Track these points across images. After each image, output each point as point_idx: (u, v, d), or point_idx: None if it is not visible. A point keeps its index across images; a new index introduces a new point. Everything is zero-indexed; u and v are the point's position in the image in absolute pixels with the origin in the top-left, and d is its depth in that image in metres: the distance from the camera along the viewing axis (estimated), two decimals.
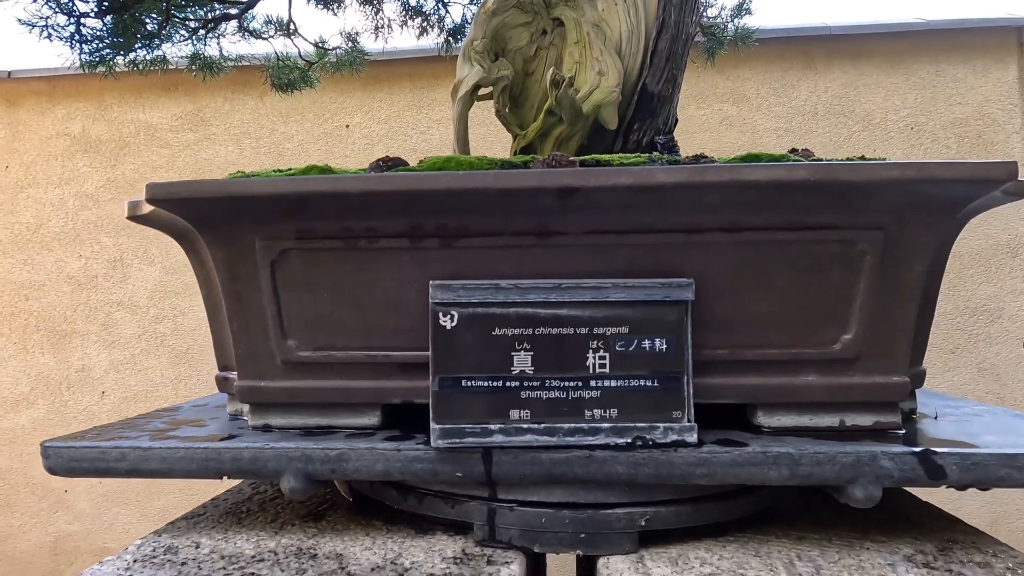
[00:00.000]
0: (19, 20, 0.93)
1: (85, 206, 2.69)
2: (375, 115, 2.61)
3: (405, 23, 1.26)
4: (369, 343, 0.52)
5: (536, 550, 0.48)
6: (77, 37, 0.95)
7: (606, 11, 0.75)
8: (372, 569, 0.45)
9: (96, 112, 2.74)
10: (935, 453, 0.45)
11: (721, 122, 2.46)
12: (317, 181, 0.47)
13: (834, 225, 0.48)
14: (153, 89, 2.68)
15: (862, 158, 0.58)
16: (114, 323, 2.67)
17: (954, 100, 2.38)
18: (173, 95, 2.70)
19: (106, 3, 0.80)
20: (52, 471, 0.52)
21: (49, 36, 0.96)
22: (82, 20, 0.93)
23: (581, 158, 0.54)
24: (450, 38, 1.31)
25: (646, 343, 0.47)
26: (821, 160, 0.54)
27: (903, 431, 0.51)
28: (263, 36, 1.18)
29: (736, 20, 1.27)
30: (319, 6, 1.20)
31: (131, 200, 0.57)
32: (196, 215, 0.51)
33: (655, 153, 0.61)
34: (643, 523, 0.47)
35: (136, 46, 0.98)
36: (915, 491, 0.57)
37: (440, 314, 0.47)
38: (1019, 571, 0.45)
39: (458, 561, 0.46)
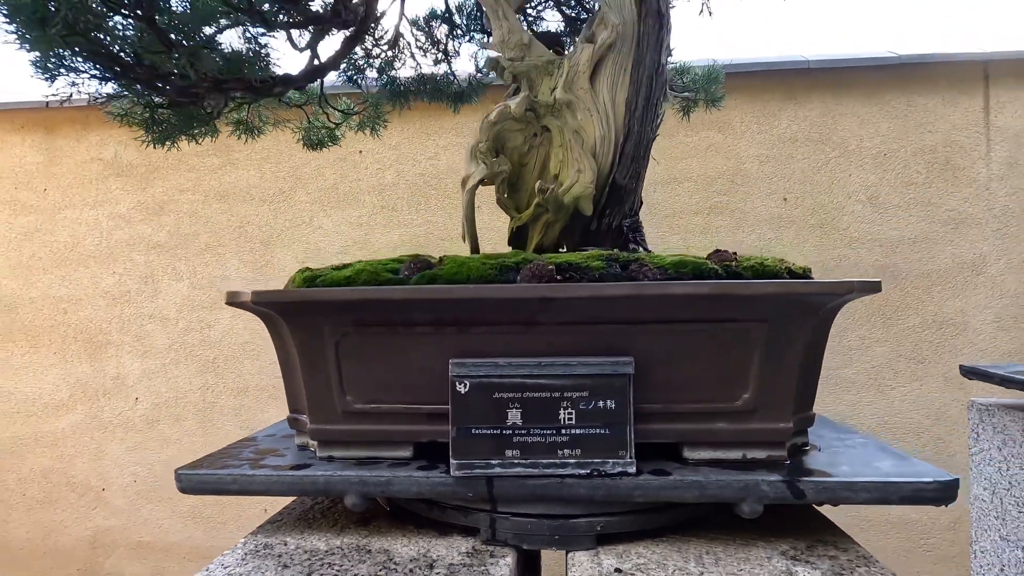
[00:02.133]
0: (109, 113, 1.13)
1: (118, 226, 2.90)
2: (386, 141, 2.80)
3: (418, 92, 1.46)
4: (404, 398, 0.72)
5: (525, 547, 0.69)
6: (151, 124, 1.15)
7: (584, 120, 0.95)
8: (411, 560, 0.66)
9: (127, 139, 2.93)
10: (799, 480, 0.65)
11: (707, 148, 2.65)
12: (370, 291, 0.68)
13: (734, 319, 0.68)
14: None
15: (781, 261, 0.78)
16: (146, 335, 2.88)
17: (924, 128, 2.56)
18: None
19: (179, 98, 0.99)
20: (184, 491, 0.72)
21: (129, 123, 1.16)
22: (156, 111, 1.13)
23: (559, 260, 0.74)
24: (453, 100, 1.51)
25: (600, 403, 0.67)
26: (735, 261, 0.75)
27: (788, 462, 0.71)
28: (300, 106, 1.38)
29: (708, 87, 1.45)
30: (349, 83, 1.39)
31: (229, 291, 0.77)
32: (283, 311, 0.71)
33: (615, 251, 0.81)
34: (599, 528, 0.68)
35: (196, 128, 1.18)
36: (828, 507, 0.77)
37: (456, 383, 0.68)
38: (856, 561, 0.65)
39: (470, 555, 0.67)
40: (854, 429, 0.89)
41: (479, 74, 1.50)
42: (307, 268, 0.79)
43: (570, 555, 0.67)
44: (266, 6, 0.87)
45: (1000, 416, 1.50)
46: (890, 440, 2.57)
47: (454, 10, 1.43)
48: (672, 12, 1.09)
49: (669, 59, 0.99)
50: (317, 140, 1.49)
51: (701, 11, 1.30)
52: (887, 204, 2.57)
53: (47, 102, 2.86)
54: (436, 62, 1.46)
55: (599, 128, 0.94)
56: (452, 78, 1.50)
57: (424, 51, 1.46)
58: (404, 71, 1.47)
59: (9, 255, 2.93)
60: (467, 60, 1.55)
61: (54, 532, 2.93)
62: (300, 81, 1.08)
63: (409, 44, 1.44)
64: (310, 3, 0.94)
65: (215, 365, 2.85)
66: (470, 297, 0.67)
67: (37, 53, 0.82)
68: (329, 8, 0.96)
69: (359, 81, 1.42)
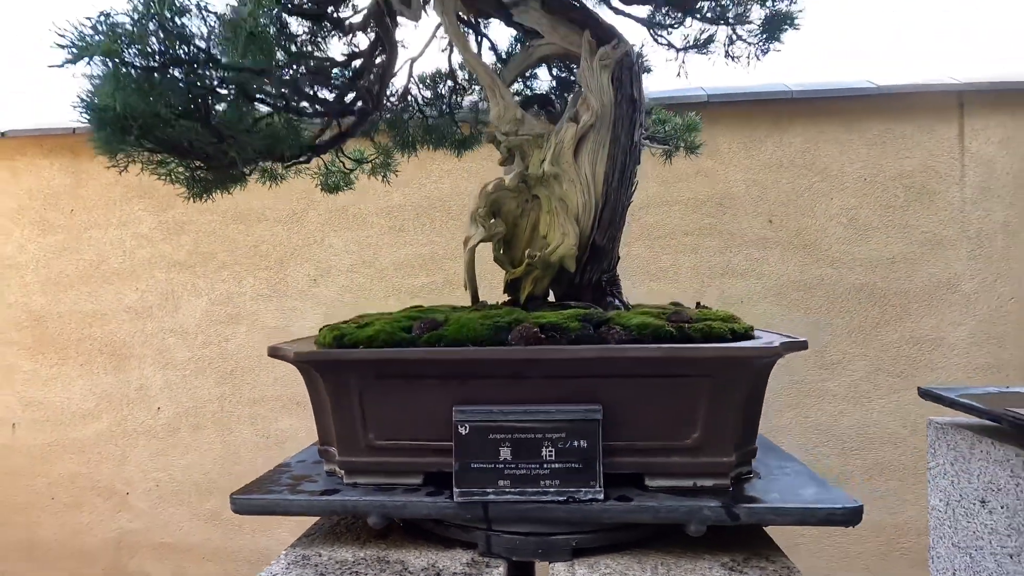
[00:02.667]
0: (156, 175, 1.30)
1: (141, 245, 3.07)
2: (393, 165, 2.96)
3: (425, 141, 1.62)
4: (416, 435, 0.88)
5: (514, 559, 0.85)
6: (192, 182, 1.31)
7: (568, 190, 1.10)
8: (422, 569, 0.82)
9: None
10: (735, 506, 0.81)
11: (696, 173, 2.79)
12: (389, 352, 0.84)
13: (684, 374, 0.84)
14: None
15: (727, 322, 0.93)
16: (167, 348, 3.06)
17: (902, 155, 2.70)
18: None
19: (221, 168, 1.15)
20: (237, 512, 0.88)
21: (172, 181, 1.32)
22: (196, 170, 1.29)
23: (544, 320, 0.90)
24: (457, 148, 1.67)
25: (575, 442, 0.83)
26: (688, 323, 0.90)
27: (731, 489, 0.87)
28: (319, 155, 1.54)
29: (687, 135, 1.60)
30: (362, 136, 1.55)
31: (270, 346, 0.93)
32: (318, 367, 0.87)
33: (593, 309, 0.97)
34: (574, 544, 0.84)
35: (229, 184, 1.34)
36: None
37: (459, 426, 0.84)
38: (780, 572, 0.81)
39: (470, 565, 0.83)
40: (794, 457, 1.04)
41: (480, 126, 1.65)
42: (333, 327, 0.96)
43: (551, 566, 0.83)
44: (304, 104, 1.03)
45: (952, 434, 1.65)
46: (869, 449, 2.72)
47: (456, 68, 1.59)
48: (656, 66, 1.25)
49: (642, 136, 1.15)
50: (334, 184, 1.66)
51: (678, 73, 1.45)
52: (867, 226, 2.72)
53: (74, 128, 3.03)
54: (441, 114, 1.62)
55: (581, 197, 1.10)
56: (455, 127, 1.66)
57: (430, 104, 1.62)
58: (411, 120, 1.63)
59: (39, 272, 3.11)
60: (468, 111, 1.70)
61: (81, 533, 3.11)
62: (324, 149, 1.25)
63: (416, 99, 1.60)
64: (336, 96, 1.10)
65: (232, 377, 3.02)
66: (472, 358, 0.83)
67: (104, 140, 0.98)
68: (351, 100, 1.12)
69: (373, 135, 1.58)
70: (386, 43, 1.31)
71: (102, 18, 0.72)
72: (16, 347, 3.12)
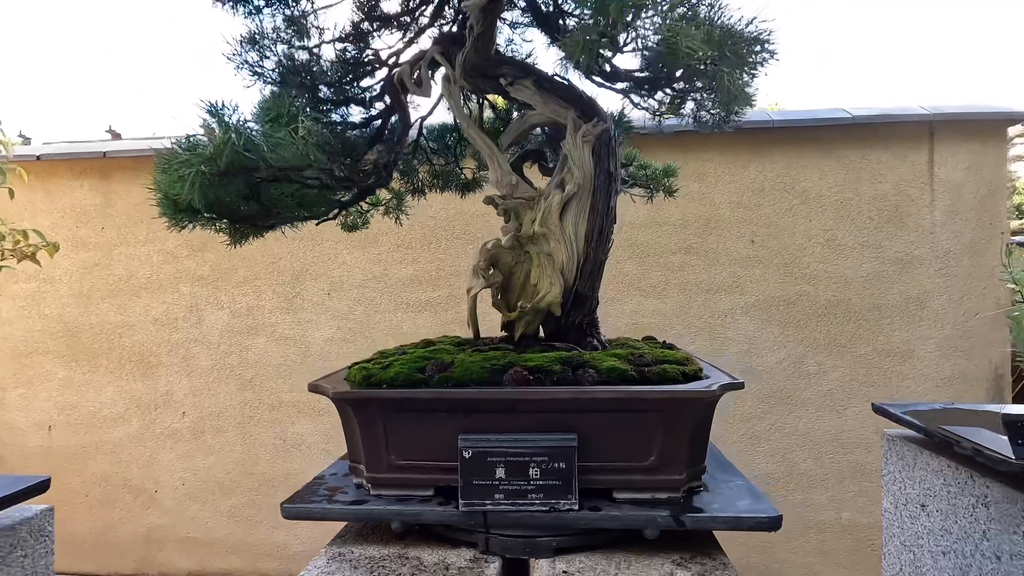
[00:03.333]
0: (205, 229, 1.51)
1: (167, 261, 3.30)
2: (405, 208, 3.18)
3: (433, 186, 1.83)
4: (429, 457, 1.10)
5: (507, 556, 1.07)
6: (234, 232, 1.52)
7: (555, 247, 1.31)
8: (434, 563, 1.04)
9: None
10: (681, 515, 1.02)
11: (685, 196, 2.99)
12: (408, 392, 1.05)
13: (643, 410, 1.05)
14: None
15: (681, 365, 1.14)
16: (192, 356, 3.28)
17: (876, 179, 2.90)
18: None
19: (258, 223, 1.37)
20: (287, 517, 1.10)
21: (216, 231, 1.53)
22: (241, 209, 1.50)
23: (532, 363, 1.11)
24: (462, 190, 1.88)
25: (555, 464, 1.04)
26: (648, 367, 1.11)
27: (682, 501, 1.08)
28: (344, 209, 1.75)
29: (665, 180, 1.81)
30: (377, 184, 1.76)
31: (311, 383, 1.15)
32: (351, 402, 1.09)
33: (574, 352, 1.18)
34: (554, 544, 1.05)
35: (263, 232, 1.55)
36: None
37: (463, 450, 1.05)
38: (717, 567, 1.02)
39: (472, 560, 1.04)
40: (740, 473, 1.25)
41: (481, 172, 1.86)
42: (361, 367, 1.17)
43: (535, 562, 1.05)
44: (339, 195, 1.25)
45: (901, 446, 1.85)
46: (843, 454, 2.93)
47: (460, 83, 1.79)
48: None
49: (617, 199, 1.35)
50: (352, 224, 1.87)
51: (660, 134, 1.66)
52: (843, 246, 2.91)
53: (104, 152, 3.26)
54: (447, 162, 1.83)
55: (566, 253, 1.31)
56: (459, 172, 1.86)
57: (436, 153, 1.83)
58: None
59: (72, 286, 3.34)
60: (471, 159, 1.91)
61: (113, 528, 3.35)
62: (349, 205, 1.46)
63: (425, 149, 1.81)
64: (360, 175, 1.31)
65: (252, 384, 3.25)
66: (474, 397, 1.05)
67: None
68: (372, 177, 1.33)
69: (388, 186, 1.79)
70: (399, 110, 1.51)
71: (187, 141, 0.94)
72: (52, 356, 3.35)
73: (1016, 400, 2.65)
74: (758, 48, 0.87)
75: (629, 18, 0.79)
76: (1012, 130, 2.94)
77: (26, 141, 4.87)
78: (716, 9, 0.82)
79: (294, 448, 3.21)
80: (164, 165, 0.95)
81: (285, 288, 3.21)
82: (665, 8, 0.78)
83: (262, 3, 1.13)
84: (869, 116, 2.83)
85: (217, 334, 3.26)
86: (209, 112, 0.96)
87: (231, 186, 1.03)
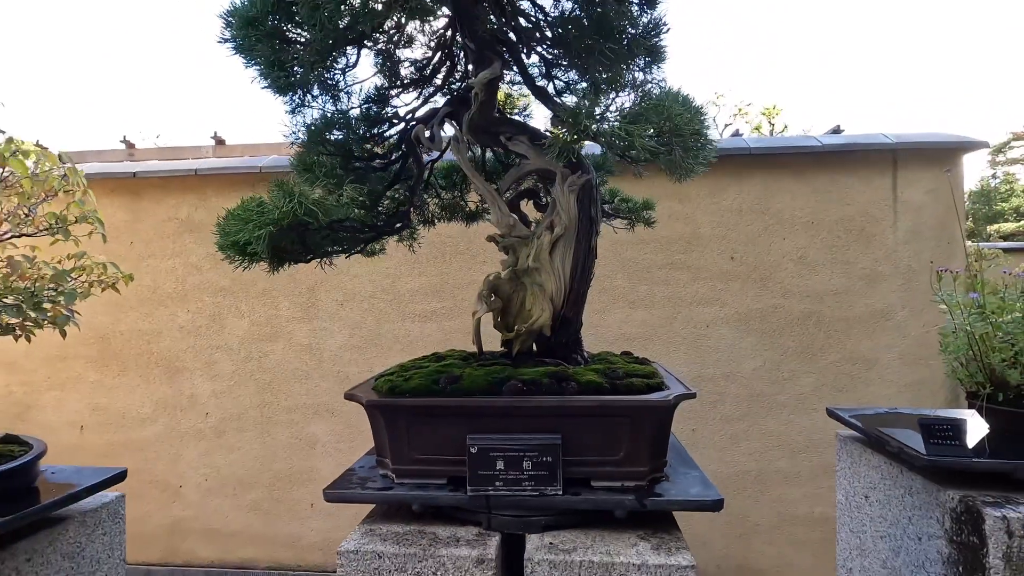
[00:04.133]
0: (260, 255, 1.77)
1: (191, 273, 3.56)
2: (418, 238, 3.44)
3: (442, 217, 2.10)
4: (443, 453, 1.36)
5: (506, 532, 1.33)
6: (272, 262, 1.78)
7: (545, 279, 1.58)
8: (447, 537, 1.30)
9: (198, 201, 3.59)
10: (644, 499, 1.29)
11: (669, 216, 3.26)
12: (426, 401, 1.32)
13: (613, 415, 1.31)
14: (241, 185, 3.52)
15: (647, 378, 1.41)
16: (214, 361, 3.55)
17: (844, 202, 3.16)
18: (256, 189, 3.54)
19: (296, 259, 1.63)
20: (329, 501, 1.36)
21: (248, 258, 1.79)
22: (288, 250, 1.76)
23: (527, 376, 1.37)
24: (467, 220, 2.14)
25: (544, 458, 1.31)
26: (620, 380, 1.38)
27: (646, 488, 1.35)
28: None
29: (643, 212, 2.07)
30: (400, 228, 2.02)
31: (346, 392, 1.41)
32: (380, 408, 1.36)
33: (561, 366, 1.44)
34: (543, 522, 1.32)
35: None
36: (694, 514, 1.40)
37: (471, 447, 1.32)
38: (671, 540, 1.28)
39: (477, 536, 1.31)
40: (697, 466, 1.51)
41: (483, 205, 2.12)
42: (386, 379, 1.44)
43: (528, 536, 1.31)
44: (366, 235, 1.51)
45: (850, 445, 2.12)
46: (815, 453, 3.19)
47: (466, 141, 2.06)
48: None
49: (597, 240, 1.62)
50: (371, 251, 2.13)
51: (638, 175, 1.91)
52: (814, 263, 3.18)
53: (134, 173, 3.52)
54: (454, 197, 2.10)
55: (554, 284, 1.58)
56: (464, 205, 2.13)
57: (444, 189, 2.10)
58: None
59: (102, 296, 3.58)
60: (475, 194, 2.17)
61: (140, 520, 3.61)
62: (372, 241, 1.72)
63: (435, 185, 2.07)
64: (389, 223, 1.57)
65: (271, 387, 3.51)
66: (481, 405, 1.31)
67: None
68: (395, 223, 1.59)
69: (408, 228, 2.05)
70: (414, 158, 1.78)
71: (258, 206, 1.20)
72: (84, 360, 3.61)
73: (970, 404, 2.91)
74: (700, 140, 1.13)
75: (595, 127, 1.05)
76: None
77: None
78: (665, 109, 1.09)
79: (309, 447, 3.47)
80: (238, 223, 1.22)
81: (301, 299, 3.47)
82: (625, 116, 1.04)
83: (308, 98, 1.39)
84: (837, 144, 3.09)
85: (238, 341, 3.52)
86: (278, 186, 1.22)
87: (287, 236, 1.30)
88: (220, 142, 6.58)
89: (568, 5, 1.20)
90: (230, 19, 1.18)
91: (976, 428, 1.81)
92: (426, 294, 3.40)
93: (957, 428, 1.61)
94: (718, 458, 3.23)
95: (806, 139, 3.15)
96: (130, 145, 6.78)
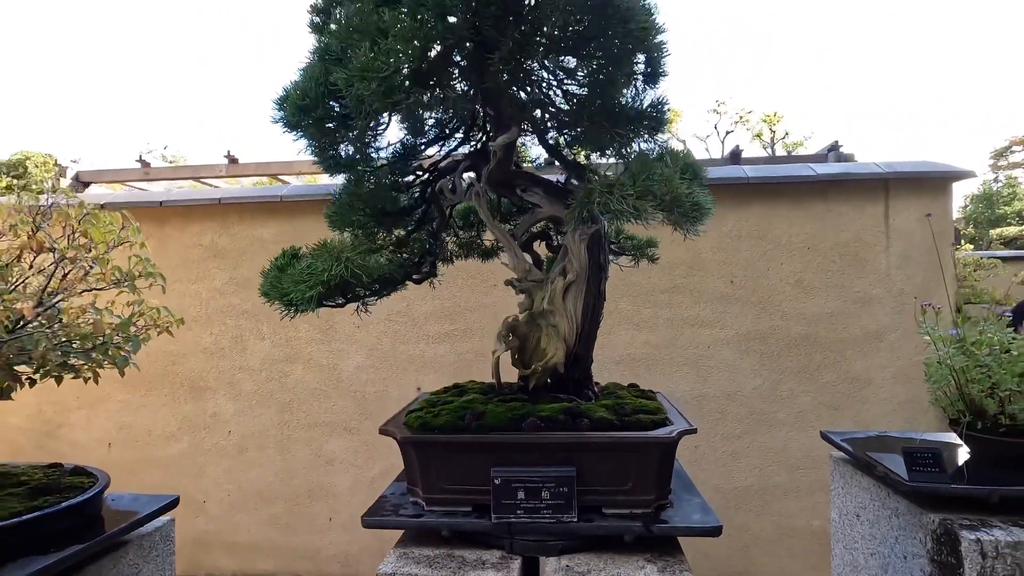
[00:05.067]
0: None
1: (214, 297, 3.72)
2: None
3: (460, 255, 2.25)
4: (469, 483, 1.51)
5: (526, 555, 1.48)
6: (290, 310, 1.94)
7: (559, 320, 1.73)
8: (473, 560, 1.45)
9: (221, 229, 3.76)
10: (651, 525, 1.44)
11: (672, 241, 3.38)
12: (454, 437, 1.47)
13: (622, 449, 1.46)
14: (262, 212, 3.69)
15: (653, 415, 1.56)
16: (237, 382, 3.71)
17: (839, 228, 3.31)
18: (276, 216, 3.71)
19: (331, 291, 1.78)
20: (367, 527, 1.51)
21: (295, 310, 1.95)
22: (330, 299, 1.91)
23: (544, 413, 1.52)
24: (483, 256, 2.30)
25: (560, 488, 1.46)
26: (628, 416, 1.53)
27: (651, 514, 1.49)
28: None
29: (647, 249, 2.22)
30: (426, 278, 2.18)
31: (381, 427, 1.57)
32: (412, 444, 1.51)
33: (575, 402, 1.59)
34: (560, 546, 1.47)
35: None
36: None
37: (495, 478, 1.47)
38: (675, 564, 1.43)
39: (501, 559, 1.46)
40: (699, 492, 1.66)
41: (499, 245, 2.28)
42: (417, 415, 1.59)
43: (546, 558, 1.46)
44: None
45: (843, 466, 2.26)
46: (812, 469, 3.32)
47: (486, 193, 2.22)
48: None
49: (606, 284, 1.77)
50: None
51: (636, 264, 2.07)
52: (810, 286, 3.33)
53: (160, 202, 3.69)
54: (471, 236, 2.25)
55: (567, 325, 1.73)
56: (481, 243, 2.29)
57: (462, 229, 2.25)
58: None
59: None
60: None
61: None
62: (400, 285, 1.88)
63: (453, 226, 2.23)
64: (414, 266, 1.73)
65: (290, 406, 3.66)
66: (503, 441, 1.46)
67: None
68: (423, 270, 1.75)
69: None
70: (436, 205, 1.94)
71: (308, 267, 1.36)
72: (111, 380, 3.76)
73: (953, 430, 3.04)
74: (699, 211, 1.29)
75: (602, 199, 1.21)
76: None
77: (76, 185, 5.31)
78: (667, 181, 1.24)
79: (327, 464, 3.62)
80: (289, 284, 1.38)
81: (320, 321, 3.63)
82: (631, 194, 1.20)
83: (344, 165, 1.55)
84: (831, 174, 3.25)
85: (259, 362, 3.68)
86: (325, 250, 1.38)
87: (332, 293, 1.46)
88: (233, 160, 6.75)
89: (581, 92, 1.35)
90: (283, 104, 1.34)
91: (958, 453, 1.95)
92: (439, 317, 3.56)
93: (937, 456, 1.75)
94: (720, 473, 3.37)
95: (802, 168, 3.31)
96: (145, 164, 6.96)
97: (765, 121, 27.45)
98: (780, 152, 26.35)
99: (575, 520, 1.45)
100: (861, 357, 3.28)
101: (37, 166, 15.33)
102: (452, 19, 1.14)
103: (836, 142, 6.82)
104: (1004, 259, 7.81)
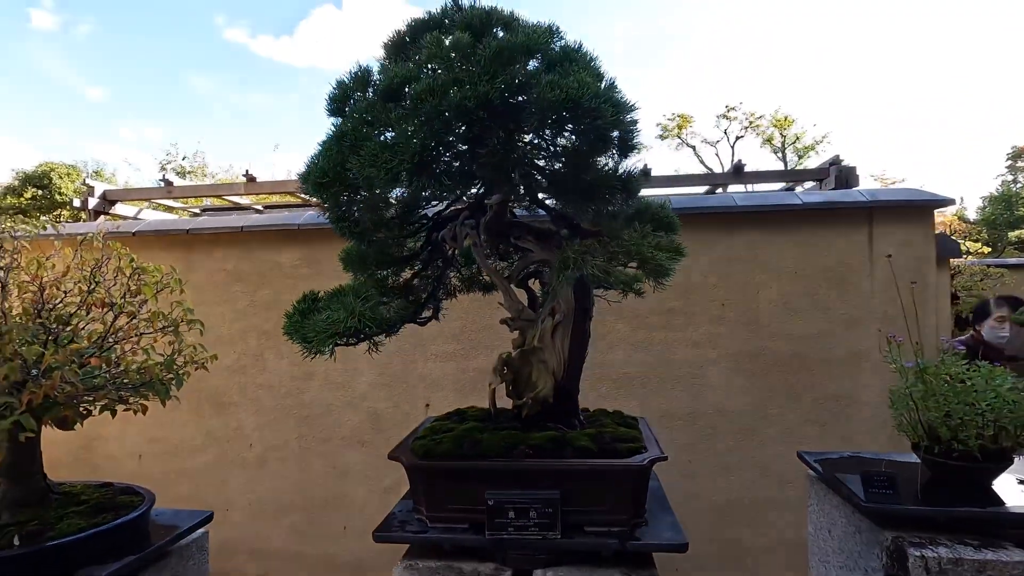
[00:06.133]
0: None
1: (238, 319, 3.98)
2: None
3: (462, 289, 2.47)
4: (466, 504, 1.72)
5: (516, 567, 1.69)
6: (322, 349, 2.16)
7: (548, 356, 1.94)
8: (471, 571, 1.66)
9: (243, 254, 4.02)
10: (625, 542, 1.64)
11: None
12: (454, 464, 1.69)
13: (600, 475, 1.67)
14: (280, 239, 3.94)
15: (630, 443, 1.77)
16: (258, 398, 3.96)
17: (824, 253, 3.48)
18: (294, 243, 3.96)
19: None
20: (377, 541, 1.73)
21: (315, 351, 2.18)
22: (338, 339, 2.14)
23: (533, 442, 1.73)
24: (484, 290, 2.51)
25: (547, 509, 1.67)
26: (609, 444, 1.73)
27: (627, 532, 1.69)
28: None
29: (634, 283, 2.42)
30: (430, 318, 2.39)
31: (390, 453, 1.78)
32: (417, 469, 1.73)
33: (562, 431, 1.80)
34: (546, 560, 1.68)
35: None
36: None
37: (488, 500, 1.68)
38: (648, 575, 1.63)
39: (495, 570, 1.67)
40: (673, 513, 1.86)
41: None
42: (422, 443, 1.81)
43: (533, 572, 1.67)
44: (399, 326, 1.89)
45: (817, 484, 2.44)
46: (800, 483, 3.48)
47: (484, 244, 2.43)
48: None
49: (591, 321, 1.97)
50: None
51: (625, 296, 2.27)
52: (797, 308, 3.50)
53: (187, 229, 3.96)
54: (472, 272, 2.47)
55: (555, 360, 1.94)
56: (481, 278, 2.50)
57: (464, 265, 2.47)
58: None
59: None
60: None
61: None
62: (402, 325, 2.10)
63: (456, 263, 2.45)
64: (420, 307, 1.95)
65: (308, 421, 3.91)
66: (494, 467, 1.68)
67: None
68: (427, 312, 1.97)
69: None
70: (439, 251, 2.16)
71: (327, 318, 1.59)
72: None
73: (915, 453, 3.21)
74: (663, 270, 1.49)
75: (581, 270, 1.42)
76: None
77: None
78: (635, 247, 1.45)
79: (342, 475, 3.86)
80: (312, 332, 1.60)
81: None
82: (601, 261, 1.40)
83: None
84: (816, 203, 3.42)
85: (279, 379, 3.93)
86: (340, 304, 1.61)
87: (345, 336, 1.68)
88: (251, 179, 7.04)
89: (559, 167, 1.57)
90: (306, 179, 1.57)
91: (919, 475, 2.13)
92: (446, 338, 3.78)
93: (892, 479, 1.94)
94: (712, 487, 3.54)
95: (788, 196, 3.49)
96: (168, 183, 7.28)
97: (776, 125, 27.44)
98: (791, 157, 26.33)
99: (559, 537, 1.65)
100: (847, 376, 3.44)
101: (61, 177, 15.83)
102: (447, 115, 1.35)
103: (837, 156, 6.96)
104: (1010, 267, 7.86)
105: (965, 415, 1.96)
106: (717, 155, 27.63)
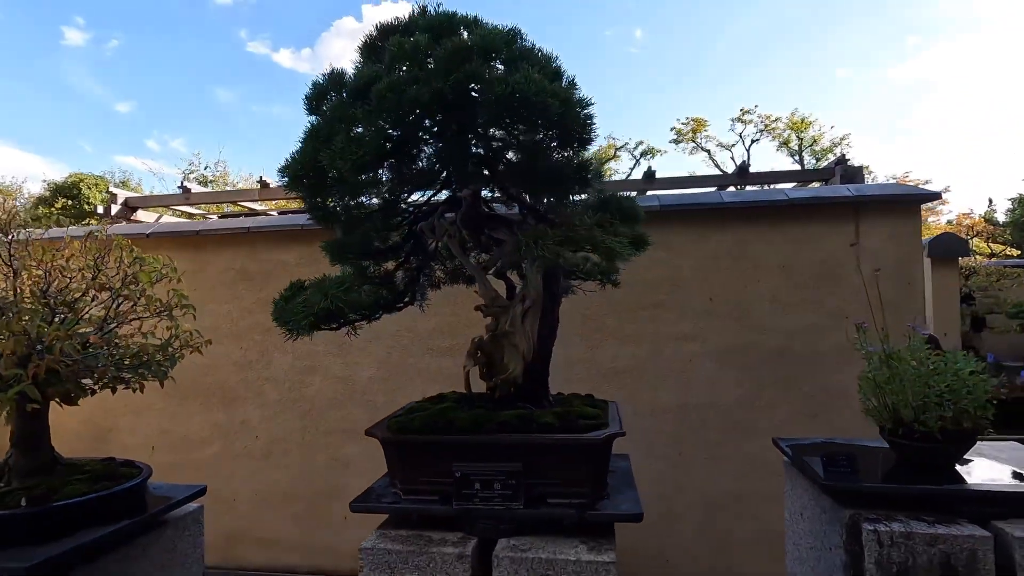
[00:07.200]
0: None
1: (244, 316, 4.15)
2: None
3: (446, 281, 2.59)
4: (436, 476, 1.83)
5: (482, 536, 1.79)
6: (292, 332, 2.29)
7: (518, 340, 2.04)
8: (439, 539, 1.76)
9: (250, 254, 4.19)
10: (584, 512, 1.73)
11: (655, 261, 3.67)
12: (424, 438, 1.80)
13: (561, 449, 1.76)
14: (285, 239, 4.11)
15: (593, 420, 1.86)
16: (263, 392, 4.11)
17: (814, 248, 3.53)
18: (298, 242, 4.12)
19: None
20: (354, 511, 1.85)
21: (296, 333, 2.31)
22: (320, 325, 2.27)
23: (502, 419, 1.83)
24: (467, 282, 2.62)
25: (511, 481, 1.77)
26: (570, 418, 1.83)
27: (587, 504, 1.78)
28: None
29: (608, 274, 2.51)
30: (411, 303, 2.51)
31: (367, 429, 1.90)
32: (391, 443, 1.84)
33: (529, 409, 1.90)
34: (509, 530, 1.77)
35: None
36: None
37: (456, 472, 1.78)
38: (606, 545, 1.71)
39: (461, 539, 1.77)
40: (636, 489, 1.94)
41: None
42: (398, 420, 1.92)
43: (498, 540, 1.76)
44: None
45: (791, 469, 2.50)
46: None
47: (467, 238, 2.55)
48: None
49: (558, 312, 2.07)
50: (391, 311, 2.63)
51: (604, 287, 2.37)
52: (787, 302, 3.55)
53: (197, 231, 4.14)
54: (456, 265, 2.59)
55: (525, 344, 2.04)
56: (464, 271, 2.62)
57: (448, 258, 2.59)
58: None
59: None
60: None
61: None
62: (389, 310, 2.22)
63: (440, 256, 2.56)
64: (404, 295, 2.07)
65: (310, 414, 4.05)
66: (467, 441, 1.78)
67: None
68: (408, 298, 2.09)
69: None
70: (419, 242, 2.27)
71: (303, 301, 1.72)
72: (154, 390, 4.21)
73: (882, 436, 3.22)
74: (611, 254, 1.59)
75: (534, 252, 1.53)
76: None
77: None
78: (588, 230, 1.55)
79: (343, 466, 3.99)
80: (289, 314, 1.73)
81: (336, 337, 4.00)
82: (551, 243, 1.51)
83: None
84: (804, 198, 3.47)
85: (283, 373, 4.08)
86: (319, 289, 1.73)
87: (324, 319, 1.81)
88: (264, 185, 7.27)
89: (518, 158, 1.68)
90: (285, 172, 1.70)
91: (885, 457, 2.18)
92: (442, 332, 3.90)
93: (852, 459, 2.00)
94: (703, 478, 3.60)
95: (775, 192, 3.54)
96: (186, 190, 7.53)
97: (792, 127, 27.19)
98: (808, 160, 26.05)
99: (522, 507, 1.75)
100: (835, 369, 3.48)
101: (89, 187, 16.41)
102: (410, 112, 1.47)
103: (843, 155, 6.98)
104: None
105: (926, 397, 2.01)
106: (732, 159, 27.47)
